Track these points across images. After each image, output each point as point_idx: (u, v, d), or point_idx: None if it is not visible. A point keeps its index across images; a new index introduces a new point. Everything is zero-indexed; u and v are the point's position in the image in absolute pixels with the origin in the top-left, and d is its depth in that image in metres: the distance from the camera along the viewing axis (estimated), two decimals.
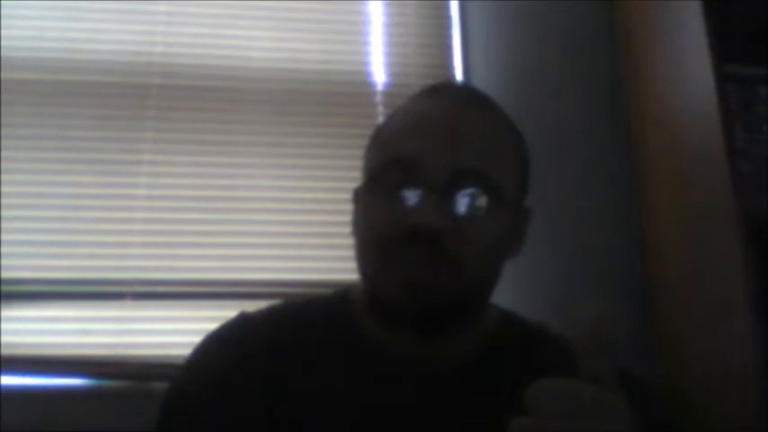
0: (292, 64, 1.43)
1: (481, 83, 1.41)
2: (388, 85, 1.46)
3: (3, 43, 1.33)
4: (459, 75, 1.48)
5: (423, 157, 0.65)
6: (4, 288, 1.20)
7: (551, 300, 1.30)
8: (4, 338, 1.17)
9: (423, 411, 0.68)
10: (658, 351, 1.30)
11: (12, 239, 1.23)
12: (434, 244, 0.63)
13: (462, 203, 0.65)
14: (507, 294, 0.77)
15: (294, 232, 1.33)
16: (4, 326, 1.18)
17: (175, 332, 1.23)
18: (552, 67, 1.49)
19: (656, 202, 1.36)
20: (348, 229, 0.75)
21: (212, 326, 0.75)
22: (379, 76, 1.47)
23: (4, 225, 1.23)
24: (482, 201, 0.66)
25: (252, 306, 0.77)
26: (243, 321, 0.74)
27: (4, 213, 1.24)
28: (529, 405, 0.49)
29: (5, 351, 1.16)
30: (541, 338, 0.77)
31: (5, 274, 1.21)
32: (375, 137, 0.75)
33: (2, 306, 1.19)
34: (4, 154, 1.27)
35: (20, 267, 1.22)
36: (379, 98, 1.45)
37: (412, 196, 0.65)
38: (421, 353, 0.70)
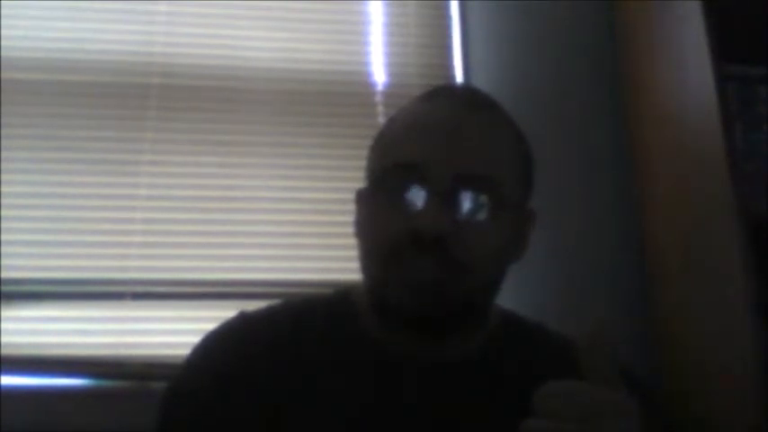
0: (292, 64, 1.43)
1: (481, 83, 1.41)
2: (388, 85, 1.46)
3: (3, 43, 1.33)
4: (459, 75, 1.48)
5: (426, 162, 0.66)
6: (4, 288, 1.20)
7: (551, 300, 1.31)
8: (4, 338, 1.17)
9: (424, 411, 0.68)
10: (658, 351, 1.30)
11: (12, 239, 1.23)
12: (438, 247, 0.63)
13: (465, 207, 0.66)
14: (507, 294, 0.77)
15: (294, 232, 1.33)
16: (4, 326, 1.17)
17: (175, 332, 1.22)
18: (552, 66, 1.49)
19: (656, 202, 1.36)
20: (350, 230, 0.75)
21: (212, 326, 0.75)
22: (379, 76, 1.47)
23: (4, 225, 1.23)
24: (485, 204, 0.66)
25: (252, 306, 0.77)
26: (242, 321, 0.74)
27: (4, 213, 1.24)
28: (539, 407, 0.49)
29: (5, 351, 1.16)
30: (541, 337, 0.77)
31: (5, 274, 1.21)
32: (378, 139, 0.75)
33: (2, 306, 1.19)
34: (3, 154, 1.27)
35: (20, 267, 1.22)
36: (379, 98, 1.45)
37: (416, 200, 0.66)
38: (422, 353, 0.70)
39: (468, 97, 0.74)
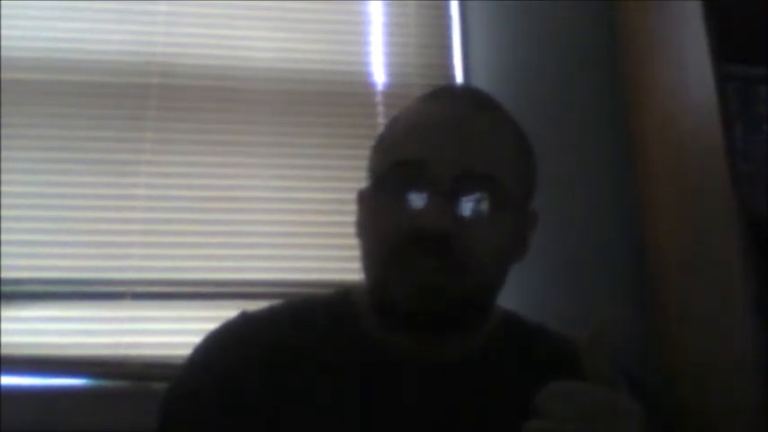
0: (292, 64, 1.43)
1: (481, 83, 1.41)
2: (388, 85, 1.46)
3: (3, 43, 1.33)
4: (459, 75, 1.48)
5: (429, 160, 0.66)
6: (4, 288, 1.20)
7: (551, 300, 1.30)
8: (4, 338, 1.17)
9: (424, 411, 0.68)
10: (658, 351, 1.30)
11: (12, 239, 1.23)
12: (440, 246, 0.63)
13: (468, 206, 0.66)
14: (508, 294, 0.77)
15: (294, 232, 1.33)
16: (4, 326, 1.17)
17: (175, 332, 1.22)
18: (552, 67, 1.49)
19: (656, 202, 1.36)
20: (350, 230, 0.75)
21: (212, 326, 0.75)
22: (379, 76, 1.47)
23: (4, 225, 1.23)
24: (487, 204, 0.66)
25: (252, 306, 0.77)
26: (244, 321, 0.74)
27: (4, 213, 1.24)
28: (542, 408, 0.49)
29: (5, 351, 1.16)
30: (542, 338, 0.77)
31: (5, 274, 1.21)
32: (381, 139, 0.75)
33: (2, 306, 1.19)
34: (4, 154, 1.27)
35: (20, 267, 1.22)
36: (379, 98, 1.45)
37: (418, 199, 0.66)
38: (423, 353, 0.70)
39: (471, 97, 0.74)
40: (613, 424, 0.49)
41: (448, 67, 1.49)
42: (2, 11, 1.35)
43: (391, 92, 1.45)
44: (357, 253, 0.72)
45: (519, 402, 0.53)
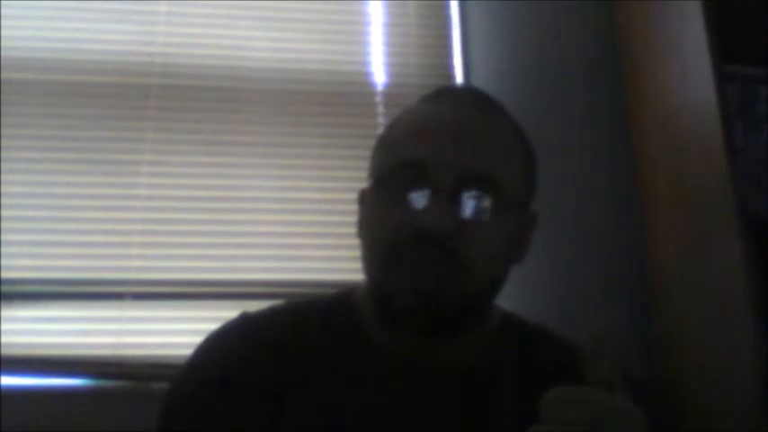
0: (292, 64, 1.43)
1: (481, 83, 1.41)
2: (388, 85, 1.46)
3: (3, 43, 1.33)
4: (459, 75, 1.48)
5: (431, 161, 0.66)
6: (4, 288, 1.20)
7: (552, 301, 1.30)
8: (4, 338, 1.17)
9: (423, 412, 0.68)
10: (658, 351, 1.30)
11: (12, 239, 1.23)
12: (441, 246, 0.63)
13: (469, 206, 0.66)
14: (507, 295, 0.77)
15: (294, 232, 1.33)
16: (4, 326, 1.18)
17: (175, 332, 1.23)
18: (552, 66, 1.49)
19: (656, 201, 1.36)
20: (350, 230, 0.75)
21: (212, 326, 0.75)
22: (379, 76, 1.47)
23: (4, 225, 1.23)
24: (489, 204, 0.66)
25: (252, 306, 0.77)
26: (244, 321, 0.74)
27: (4, 213, 1.24)
28: (546, 412, 0.49)
29: (5, 351, 1.16)
30: (542, 340, 0.77)
31: (5, 274, 1.21)
32: (382, 139, 0.75)
33: (2, 306, 1.19)
34: (4, 154, 1.27)
35: (20, 267, 1.22)
36: (379, 98, 1.45)
37: (420, 199, 0.65)
38: (423, 354, 0.70)
39: (472, 98, 0.74)
40: (616, 427, 0.49)
41: (448, 67, 1.49)
42: (2, 11, 1.35)
43: (391, 92, 1.45)
44: (357, 253, 0.72)
45: (519, 405, 0.53)
